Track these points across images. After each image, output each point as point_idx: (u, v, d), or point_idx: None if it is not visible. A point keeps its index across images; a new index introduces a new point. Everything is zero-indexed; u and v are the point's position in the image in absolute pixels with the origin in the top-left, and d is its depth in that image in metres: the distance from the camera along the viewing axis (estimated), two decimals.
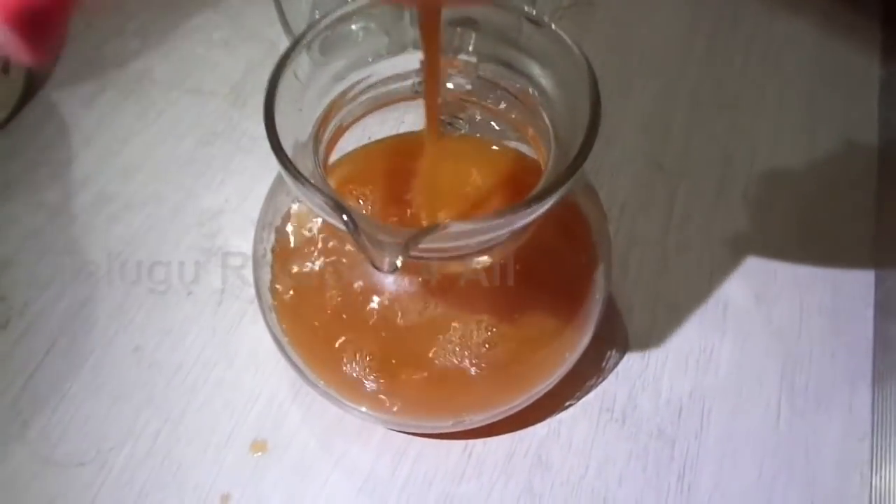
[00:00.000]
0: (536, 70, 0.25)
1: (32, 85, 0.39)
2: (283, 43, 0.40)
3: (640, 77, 0.40)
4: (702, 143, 0.38)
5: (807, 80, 0.40)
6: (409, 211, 0.29)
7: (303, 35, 0.24)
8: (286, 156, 0.21)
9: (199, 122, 0.38)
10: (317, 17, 0.41)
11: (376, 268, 0.20)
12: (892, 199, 0.36)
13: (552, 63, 0.25)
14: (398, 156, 0.31)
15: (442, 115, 0.33)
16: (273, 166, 0.21)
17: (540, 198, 0.20)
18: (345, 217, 0.20)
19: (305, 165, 0.23)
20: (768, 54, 0.41)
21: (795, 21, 0.43)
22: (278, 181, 0.29)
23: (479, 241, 0.21)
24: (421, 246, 0.20)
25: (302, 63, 0.24)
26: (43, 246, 0.34)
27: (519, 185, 0.29)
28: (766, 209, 0.35)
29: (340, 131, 0.27)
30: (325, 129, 0.26)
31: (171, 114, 0.39)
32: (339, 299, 0.26)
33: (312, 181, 0.21)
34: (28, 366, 0.31)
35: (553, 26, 0.24)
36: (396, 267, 0.20)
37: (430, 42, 0.23)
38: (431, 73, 0.24)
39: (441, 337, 0.26)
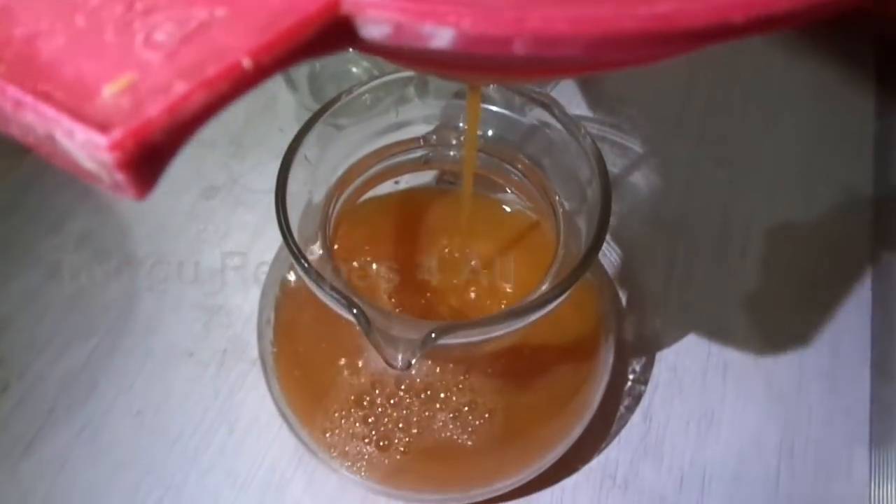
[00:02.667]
0: (542, 150, 0.26)
1: None
2: (283, 93, 0.40)
3: (637, 132, 0.40)
4: (701, 198, 0.38)
5: (804, 135, 0.41)
6: (416, 270, 0.29)
7: (312, 119, 0.24)
8: (301, 253, 0.21)
9: (199, 174, 0.38)
10: (318, 68, 0.41)
11: (389, 365, 0.20)
12: (888, 256, 0.36)
13: (559, 145, 0.25)
14: (402, 212, 0.31)
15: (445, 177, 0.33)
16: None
17: (558, 292, 0.21)
18: (355, 311, 0.20)
19: (313, 249, 0.23)
20: (766, 110, 0.42)
21: (792, 77, 0.43)
22: (284, 248, 0.29)
23: (496, 335, 0.21)
24: (439, 342, 0.20)
25: (311, 145, 0.24)
26: (42, 305, 0.34)
27: (523, 241, 0.30)
28: (765, 268, 0.36)
29: (349, 204, 0.27)
30: (335, 204, 0.26)
31: (170, 166, 0.38)
32: (341, 370, 0.26)
33: (323, 273, 0.21)
34: (27, 432, 0.30)
35: (560, 110, 0.24)
36: (410, 365, 0.20)
37: (473, 110, 0.24)
38: (471, 143, 0.25)
39: (445, 411, 0.26)
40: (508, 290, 0.28)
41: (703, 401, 0.32)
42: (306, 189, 0.24)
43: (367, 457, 0.26)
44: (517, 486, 0.28)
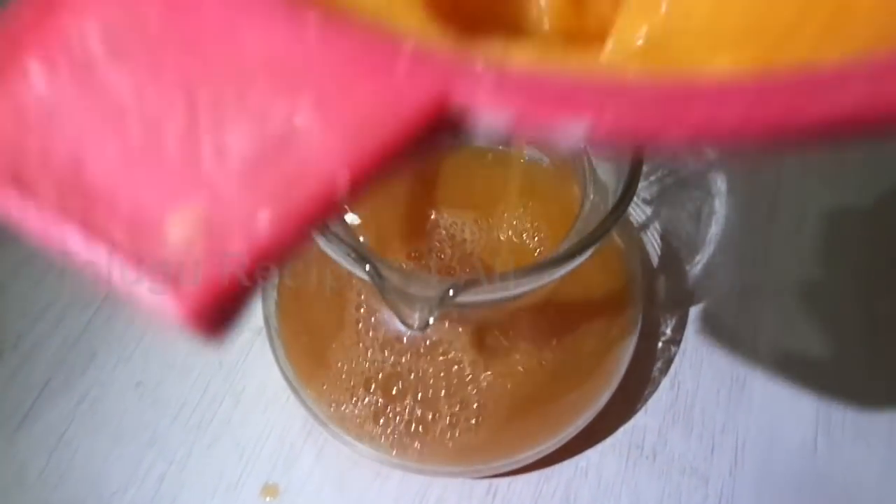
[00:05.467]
0: None
1: None
2: None
3: None
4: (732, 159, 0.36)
5: None
6: (431, 231, 0.27)
7: None
8: None
9: None
10: None
11: (406, 325, 0.18)
12: None
13: None
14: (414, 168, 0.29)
15: None
16: None
17: (584, 246, 0.19)
18: (368, 268, 0.18)
19: None
20: None
21: None
22: None
23: (517, 292, 0.19)
24: (458, 300, 0.18)
25: None
26: (38, 271, 0.32)
27: (547, 197, 0.28)
28: (797, 228, 0.34)
29: None
30: None
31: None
32: (350, 336, 0.25)
33: (333, 228, 0.19)
34: (24, 403, 0.29)
35: None
36: (428, 324, 0.18)
37: None
38: None
39: (463, 381, 0.24)
40: (532, 247, 0.26)
41: (733, 366, 0.30)
42: None
43: (380, 431, 0.25)
44: (541, 456, 0.26)
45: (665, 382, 0.30)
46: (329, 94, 0.08)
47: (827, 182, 0.35)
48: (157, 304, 0.08)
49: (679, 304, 0.32)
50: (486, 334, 0.24)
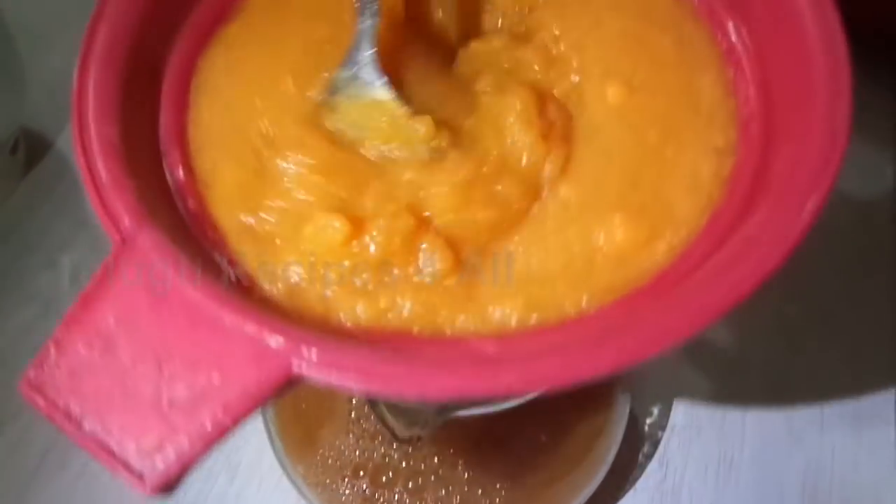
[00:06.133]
0: None
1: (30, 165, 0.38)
2: None
3: None
4: None
5: None
6: None
7: None
8: None
9: None
10: None
11: (393, 436, 0.19)
12: None
13: None
14: None
15: None
16: None
17: None
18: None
19: None
20: None
21: None
22: None
23: (515, 404, 0.20)
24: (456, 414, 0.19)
25: None
26: (37, 342, 0.32)
27: None
28: (787, 300, 0.34)
29: None
30: None
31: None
32: (340, 424, 0.25)
33: None
34: (23, 475, 0.29)
35: None
36: (420, 437, 0.19)
37: None
38: None
39: (454, 471, 0.24)
40: None
41: (721, 445, 0.31)
42: None
43: None
44: None
45: (654, 462, 0.30)
46: (229, 373, 0.15)
47: None
48: (130, 484, 0.15)
49: (665, 387, 0.32)
50: (478, 427, 0.24)
